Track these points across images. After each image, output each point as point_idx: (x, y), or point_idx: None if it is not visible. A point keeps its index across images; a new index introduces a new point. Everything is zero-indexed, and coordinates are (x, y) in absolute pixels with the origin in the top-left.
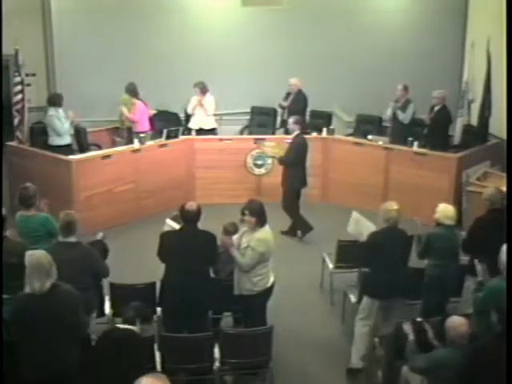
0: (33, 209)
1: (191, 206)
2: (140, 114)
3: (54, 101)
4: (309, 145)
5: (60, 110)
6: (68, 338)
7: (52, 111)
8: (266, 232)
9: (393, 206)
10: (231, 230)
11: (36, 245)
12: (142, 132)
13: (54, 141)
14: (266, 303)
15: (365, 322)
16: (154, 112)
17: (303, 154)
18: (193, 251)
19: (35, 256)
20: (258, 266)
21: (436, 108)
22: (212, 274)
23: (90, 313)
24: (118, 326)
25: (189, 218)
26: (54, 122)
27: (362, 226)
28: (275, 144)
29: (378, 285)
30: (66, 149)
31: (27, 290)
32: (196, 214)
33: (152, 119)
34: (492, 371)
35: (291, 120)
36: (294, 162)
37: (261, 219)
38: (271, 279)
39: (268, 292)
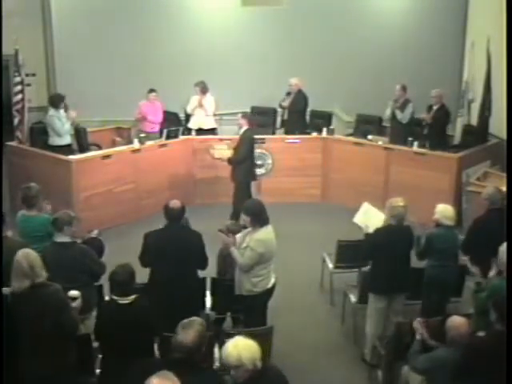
0: (35, 209)
1: (175, 203)
2: (160, 116)
3: (55, 102)
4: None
5: (61, 111)
6: (55, 337)
7: (52, 111)
8: (266, 233)
9: (399, 202)
10: (235, 229)
11: (36, 245)
12: (154, 132)
13: (54, 141)
14: (266, 304)
15: (374, 320)
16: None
17: (251, 149)
18: (178, 249)
19: (17, 256)
20: (258, 267)
21: (435, 107)
22: (217, 276)
23: (90, 311)
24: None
25: (173, 216)
26: (55, 122)
27: (370, 218)
28: (226, 146)
29: (379, 281)
30: (66, 149)
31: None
32: (180, 212)
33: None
34: (490, 368)
35: (240, 115)
36: (245, 158)
37: (257, 219)
38: (272, 280)
39: (268, 293)
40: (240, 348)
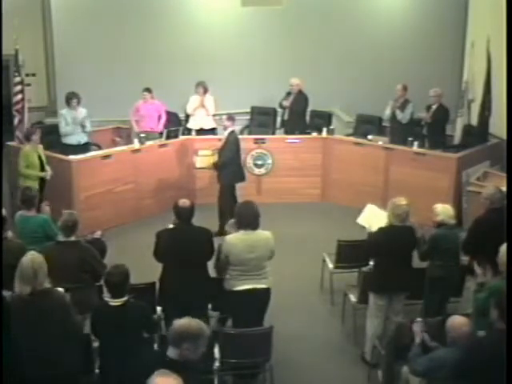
0: (34, 209)
1: (184, 203)
2: (163, 115)
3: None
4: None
5: (71, 110)
6: (60, 341)
7: (64, 110)
8: (238, 238)
9: (402, 201)
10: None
11: (33, 246)
12: (154, 132)
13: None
14: (238, 307)
15: (375, 319)
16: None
17: (238, 151)
18: (190, 248)
19: (22, 259)
20: (231, 266)
21: (434, 107)
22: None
23: (90, 311)
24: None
25: (183, 215)
26: (60, 121)
27: (373, 218)
28: (210, 152)
29: (379, 279)
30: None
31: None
32: (190, 211)
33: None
34: (491, 368)
35: (224, 117)
36: (230, 161)
37: (237, 221)
38: (244, 286)
39: (236, 296)
40: None
